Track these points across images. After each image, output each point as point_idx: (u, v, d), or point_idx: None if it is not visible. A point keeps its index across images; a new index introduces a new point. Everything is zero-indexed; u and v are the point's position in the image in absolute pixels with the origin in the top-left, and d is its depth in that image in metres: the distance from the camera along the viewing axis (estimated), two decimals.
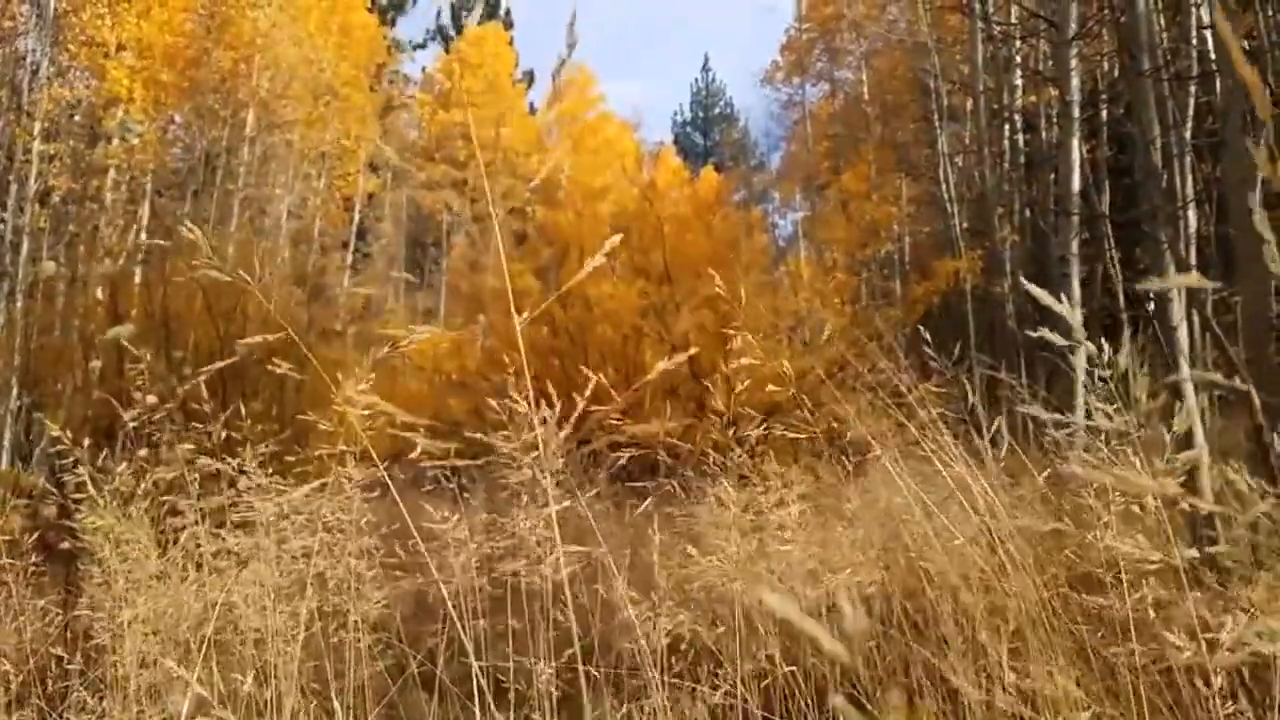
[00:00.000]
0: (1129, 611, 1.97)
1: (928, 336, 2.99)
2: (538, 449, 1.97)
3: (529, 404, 1.85)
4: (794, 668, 2.80)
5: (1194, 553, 1.49)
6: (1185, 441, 1.62)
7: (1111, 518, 2.08)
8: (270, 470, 2.83)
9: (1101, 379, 1.65)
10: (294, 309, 9.92)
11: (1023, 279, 1.68)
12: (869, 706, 2.54)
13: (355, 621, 2.81)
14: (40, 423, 10.67)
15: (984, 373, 3.23)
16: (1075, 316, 1.52)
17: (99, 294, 10.87)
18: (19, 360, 11.43)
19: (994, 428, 2.71)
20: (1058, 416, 1.72)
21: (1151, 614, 1.81)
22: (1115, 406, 1.62)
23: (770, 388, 2.80)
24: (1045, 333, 1.59)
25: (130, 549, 2.74)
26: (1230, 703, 1.55)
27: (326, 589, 2.83)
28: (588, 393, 1.81)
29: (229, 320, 8.74)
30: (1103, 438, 1.93)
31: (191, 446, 2.79)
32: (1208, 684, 1.51)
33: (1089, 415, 1.65)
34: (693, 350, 1.82)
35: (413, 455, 1.72)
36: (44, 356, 10.95)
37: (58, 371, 10.32)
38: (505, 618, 2.79)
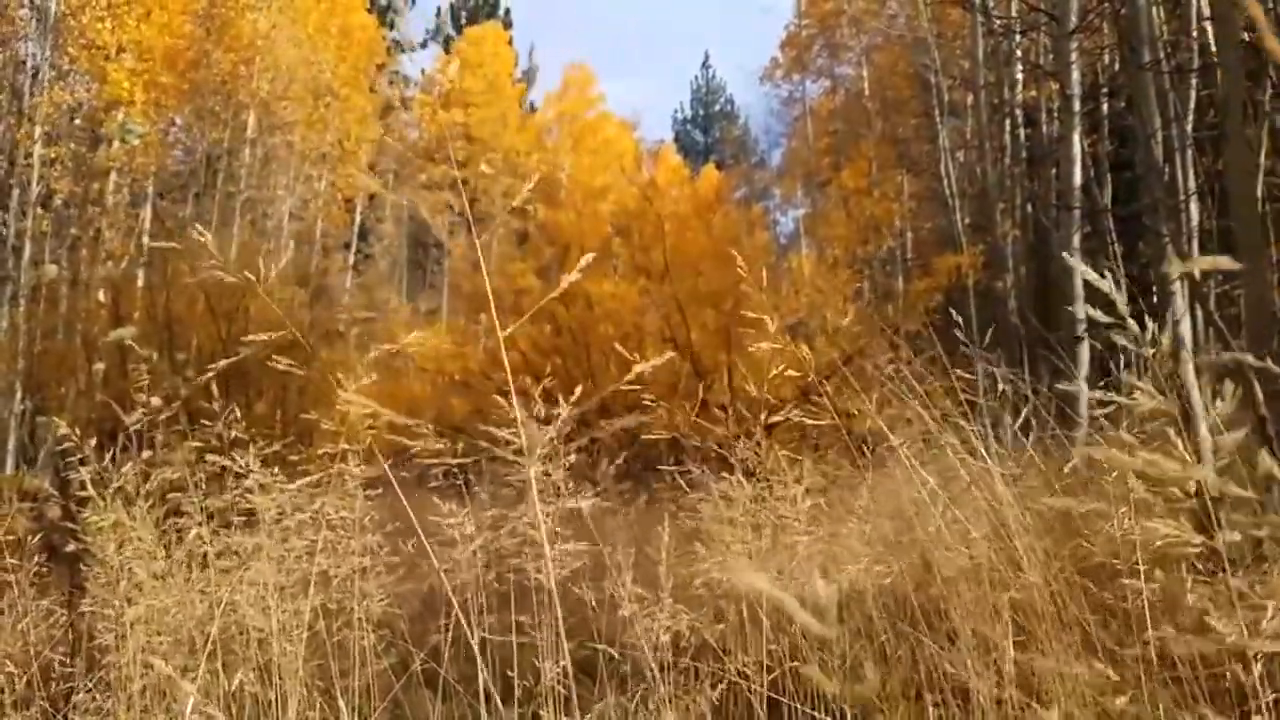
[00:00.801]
0: (1144, 601, 1.96)
1: (959, 319, 2.98)
2: (540, 447, 1.96)
3: (529, 404, 1.85)
4: (796, 663, 2.80)
5: (1236, 536, 1.46)
6: (1231, 424, 1.60)
7: (1130, 505, 2.08)
8: (274, 470, 2.83)
9: (1142, 357, 1.63)
10: (297, 310, 9.92)
11: (1067, 256, 1.67)
12: (875, 701, 2.53)
13: (359, 619, 2.81)
14: (44, 426, 10.69)
15: (987, 368, 3.22)
16: (1120, 294, 1.52)
17: (101, 297, 10.87)
18: (22, 364, 11.45)
19: (1019, 418, 2.70)
20: (1098, 395, 1.72)
21: (1190, 599, 1.79)
22: (1146, 388, 1.60)
23: (787, 371, 2.77)
24: (1090, 311, 1.58)
25: (134, 547, 2.74)
26: (1269, 689, 1.53)
27: (330, 587, 2.83)
28: (579, 392, 1.81)
29: (231, 321, 8.75)
30: (1129, 419, 1.92)
31: (200, 444, 2.80)
32: (1246, 671, 1.49)
33: (1129, 395, 1.64)
34: (682, 350, 1.82)
35: (415, 451, 1.72)
36: (47, 360, 10.96)
37: (61, 375, 10.33)
38: (510, 614, 2.79)
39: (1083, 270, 1.43)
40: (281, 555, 2.74)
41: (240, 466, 2.76)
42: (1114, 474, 2.29)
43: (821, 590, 0.72)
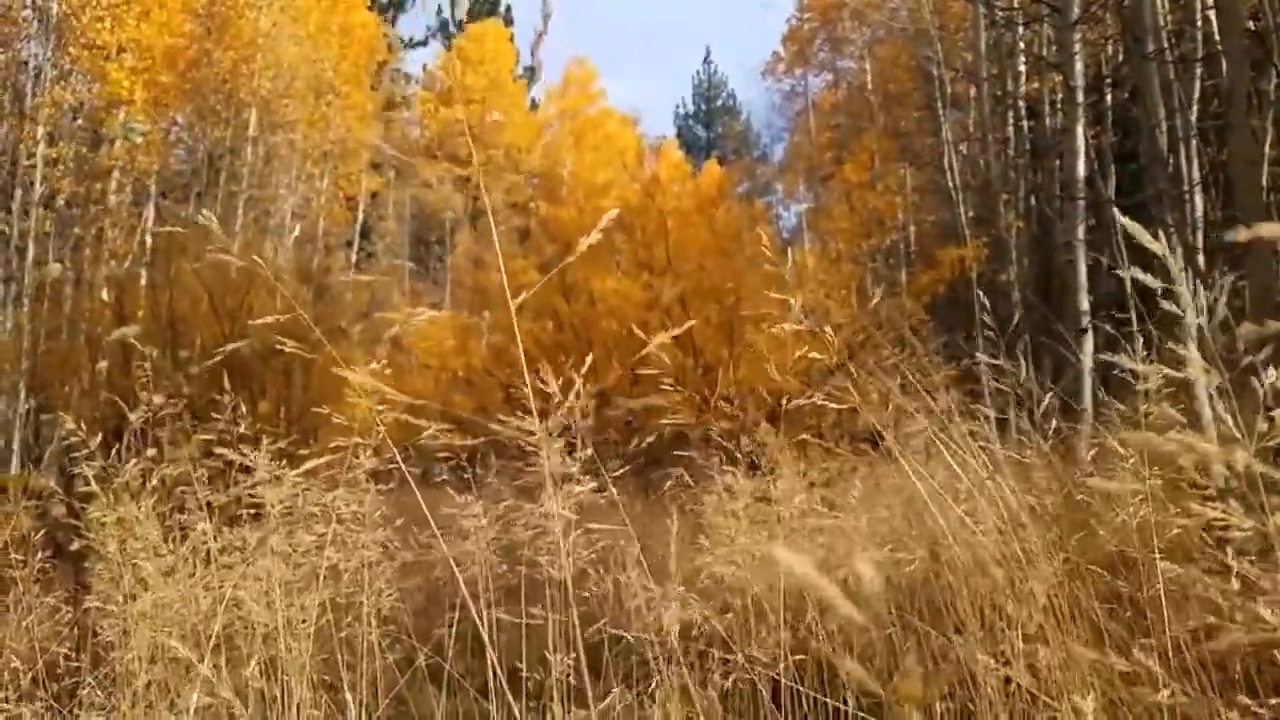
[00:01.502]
0: (1159, 590, 1.95)
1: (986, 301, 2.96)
2: (558, 434, 1.94)
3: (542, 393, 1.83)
4: (803, 656, 2.79)
5: None
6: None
7: (1147, 491, 2.07)
8: (281, 463, 2.83)
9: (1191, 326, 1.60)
10: (300, 307, 9.88)
11: (1118, 215, 1.65)
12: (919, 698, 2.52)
13: (366, 615, 2.81)
14: (48, 425, 10.70)
15: (991, 360, 3.20)
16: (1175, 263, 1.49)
17: (105, 296, 10.87)
18: (27, 363, 11.47)
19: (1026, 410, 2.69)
20: (1142, 367, 1.70)
21: (1234, 586, 1.78)
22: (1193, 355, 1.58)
23: (808, 353, 2.74)
24: (1139, 274, 1.56)
25: (138, 541, 2.74)
26: None
27: (340, 582, 2.82)
28: (584, 371, 1.80)
29: (235, 320, 8.75)
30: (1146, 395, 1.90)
31: (211, 437, 2.79)
32: None
33: (1177, 368, 1.62)
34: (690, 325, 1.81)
35: (424, 437, 1.71)
36: (51, 359, 10.96)
37: (65, 374, 10.32)
38: (519, 607, 2.78)
39: (1138, 230, 1.41)
40: (289, 550, 2.74)
41: (249, 460, 2.75)
42: (1130, 460, 2.28)
43: (866, 577, 0.70)
